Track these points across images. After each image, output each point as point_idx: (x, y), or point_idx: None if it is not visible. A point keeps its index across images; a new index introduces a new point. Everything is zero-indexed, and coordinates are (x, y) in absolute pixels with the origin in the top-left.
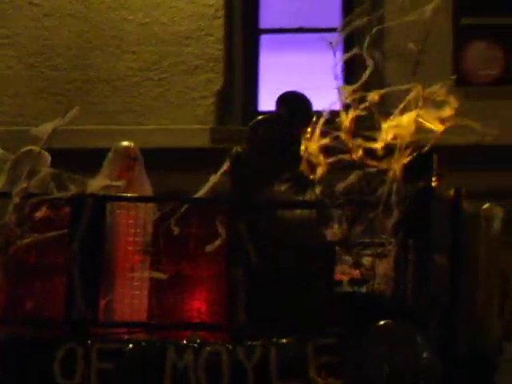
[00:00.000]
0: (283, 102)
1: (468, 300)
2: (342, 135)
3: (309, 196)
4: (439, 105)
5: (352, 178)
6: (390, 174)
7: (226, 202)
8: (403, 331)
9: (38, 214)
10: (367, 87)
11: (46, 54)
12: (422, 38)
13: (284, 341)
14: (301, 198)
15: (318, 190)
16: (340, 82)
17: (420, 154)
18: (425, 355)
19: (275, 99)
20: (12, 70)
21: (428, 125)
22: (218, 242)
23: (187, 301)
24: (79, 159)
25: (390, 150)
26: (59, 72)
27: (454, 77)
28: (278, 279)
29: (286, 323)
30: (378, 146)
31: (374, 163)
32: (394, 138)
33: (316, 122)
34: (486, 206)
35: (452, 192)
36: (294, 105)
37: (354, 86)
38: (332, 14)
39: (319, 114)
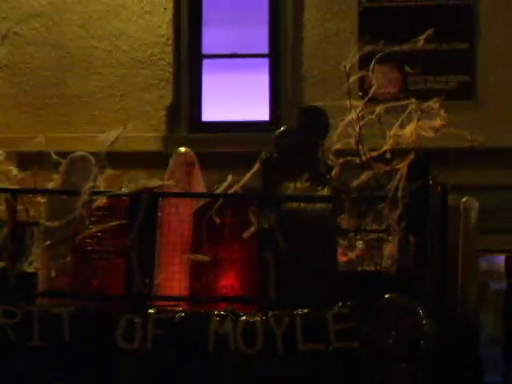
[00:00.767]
0: (303, 115)
1: (452, 276)
2: (353, 142)
3: (326, 191)
4: (431, 116)
5: (363, 177)
6: (397, 173)
7: (257, 196)
8: (406, 303)
9: (102, 208)
10: None
11: (28, 74)
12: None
13: (307, 311)
14: (319, 193)
15: (334, 186)
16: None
17: (419, 157)
18: (424, 323)
19: (297, 112)
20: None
21: (423, 133)
22: (252, 230)
23: (223, 279)
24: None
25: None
26: (39, 89)
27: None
28: (300, 261)
29: (308, 297)
30: (383, 150)
31: (382, 165)
32: (398, 144)
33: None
34: (464, 199)
35: (439, 188)
36: (311, 116)
37: (364, 101)
38: (261, 43)
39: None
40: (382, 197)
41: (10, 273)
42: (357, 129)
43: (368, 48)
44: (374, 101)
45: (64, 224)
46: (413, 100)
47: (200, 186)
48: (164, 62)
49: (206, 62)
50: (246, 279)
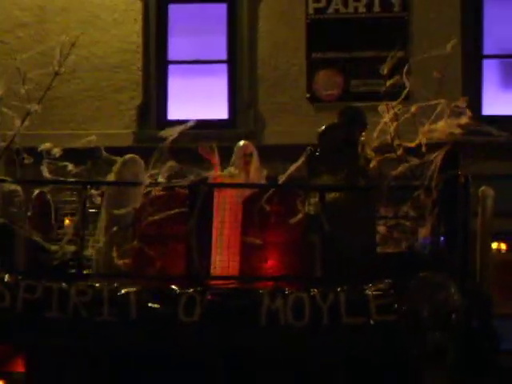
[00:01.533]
0: (343, 114)
1: (472, 256)
2: (389, 139)
3: (365, 182)
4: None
5: (401, 169)
6: (431, 165)
7: (304, 186)
8: (439, 279)
9: (163, 197)
10: None
11: (18, 79)
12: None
13: (350, 287)
14: (361, 183)
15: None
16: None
17: (449, 152)
18: (455, 297)
19: (339, 111)
20: None
21: (452, 129)
22: (299, 216)
23: (271, 260)
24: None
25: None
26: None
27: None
28: (343, 244)
29: (351, 275)
30: (414, 144)
31: (416, 158)
32: (430, 139)
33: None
34: (482, 188)
35: (463, 179)
36: (351, 115)
37: (398, 101)
38: (220, 50)
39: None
40: (418, 186)
41: (82, 256)
42: (392, 127)
43: (315, 55)
44: (409, 101)
45: (128, 212)
46: (442, 100)
47: (258, 174)
48: (134, 67)
49: (171, 67)
50: (293, 260)
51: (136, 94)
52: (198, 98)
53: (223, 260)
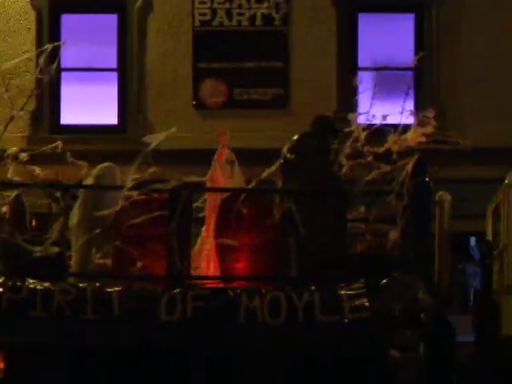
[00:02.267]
0: (316, 123)
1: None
2: (359, 146)
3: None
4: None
5: (373, 174)
6: (403, 171)
7: (279, 191)
8: (409, 280)
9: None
10: None
11: None
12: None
13: (325, 288)
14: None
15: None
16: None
17: (418, 159)
18: (424, 297)
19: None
20: None
21: (419, 138)
22: (277, 217)
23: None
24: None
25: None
26: None
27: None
28: (315, 246)
29: (325, 276)
30: (381, 151)
31: (387, 165)
32: (400, 147)
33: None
34: (440, 192)
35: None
36: (323, 124)
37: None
38: (111, 59)
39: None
40: (390, 191)
41: (65, 257)
42: (362, 136)
43: (200, 65)
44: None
45: (108, 214)
46: (410, 110)
47: (241, 179)
48: (29, 75)
49: (64, 75)
50: (267, 261)
51: (30, 99)
52: (89, 104)
53: (203, 261)
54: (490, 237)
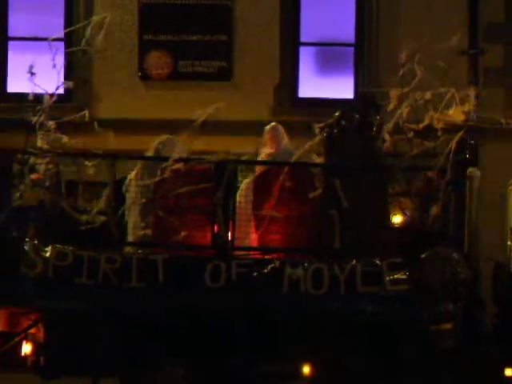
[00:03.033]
0: (360, 99)
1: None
2: (401, 122)
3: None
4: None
5: (415, 150)
6: (447, 148)
7: (323, 166)
8: (449, 254)
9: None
10: None
11: None
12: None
13: (366, 260)
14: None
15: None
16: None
17: (460, 140)
18: (463, 270)
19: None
20: None
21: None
22: (318, 191)
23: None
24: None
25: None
26: None
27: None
28: (359, 219)
29: (367, 249)
30: (421, 127)
31: (430, 142)
32: (444, 123)
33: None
34: (470, 169)
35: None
36: (366, 100)
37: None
38: (58, 28)
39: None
40: (432, 167)
41: (113, 225)
42: (404, 112)
43: (147, 36)
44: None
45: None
46: (452, 89)
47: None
48: None
49: (11, 44)
50: (308, 233)
51: None
52: (36, 74)
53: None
54: None
